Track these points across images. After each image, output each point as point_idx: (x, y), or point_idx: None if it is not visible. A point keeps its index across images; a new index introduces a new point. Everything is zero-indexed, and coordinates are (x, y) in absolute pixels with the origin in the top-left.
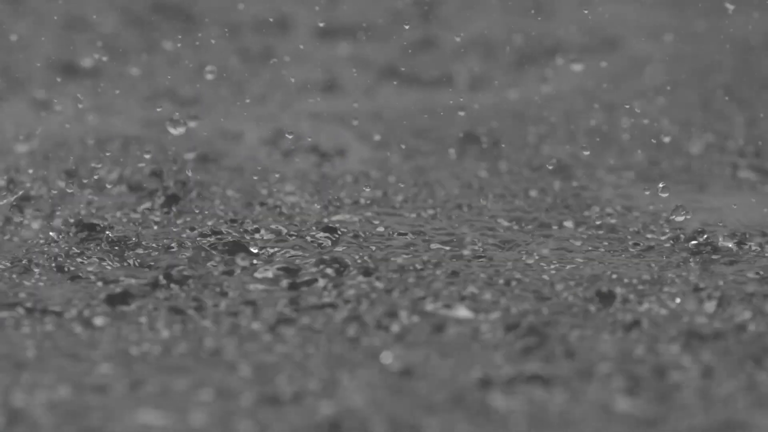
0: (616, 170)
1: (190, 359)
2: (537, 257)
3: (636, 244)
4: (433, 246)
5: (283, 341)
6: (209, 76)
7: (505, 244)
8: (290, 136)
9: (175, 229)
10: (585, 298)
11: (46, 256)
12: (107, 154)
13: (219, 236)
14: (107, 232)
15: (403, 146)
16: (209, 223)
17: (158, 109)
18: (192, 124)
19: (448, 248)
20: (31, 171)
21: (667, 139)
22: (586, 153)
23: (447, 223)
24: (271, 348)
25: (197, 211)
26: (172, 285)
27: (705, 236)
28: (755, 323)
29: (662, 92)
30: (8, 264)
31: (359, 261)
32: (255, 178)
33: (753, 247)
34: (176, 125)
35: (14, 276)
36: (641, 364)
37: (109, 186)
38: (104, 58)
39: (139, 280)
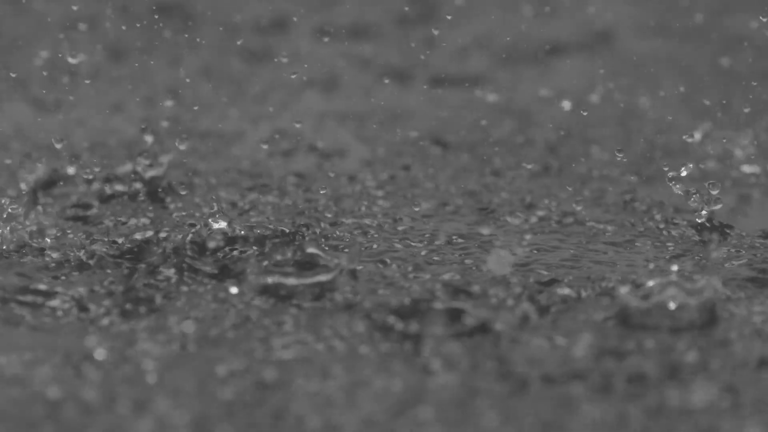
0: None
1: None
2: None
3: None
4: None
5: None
6: (169, 103)
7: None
8: (298, 125)
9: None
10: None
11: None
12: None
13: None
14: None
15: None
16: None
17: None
18: (165, 123)
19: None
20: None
21: (687, 138)
22: (620, 157)
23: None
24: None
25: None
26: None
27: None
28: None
29: (662, 91)
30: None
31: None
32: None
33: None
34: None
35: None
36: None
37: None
38: (103, 58)
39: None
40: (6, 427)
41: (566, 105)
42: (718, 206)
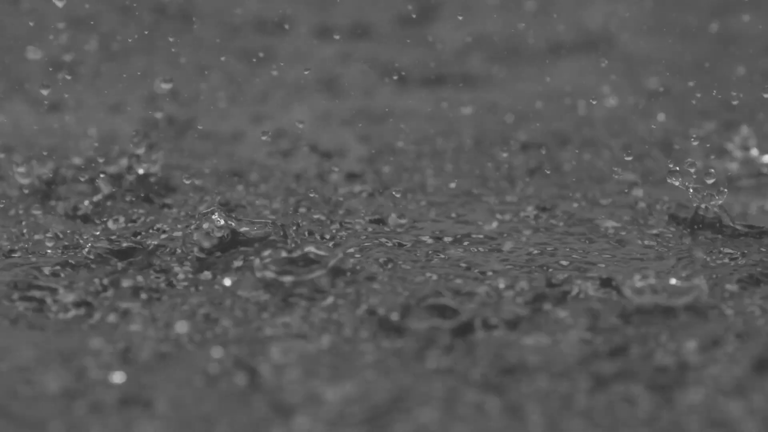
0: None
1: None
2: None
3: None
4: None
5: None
6: (168, 103)
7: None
8: (301, 125)
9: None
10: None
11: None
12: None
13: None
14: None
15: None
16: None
17: (264, 137)
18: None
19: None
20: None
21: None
22: (629, 158)
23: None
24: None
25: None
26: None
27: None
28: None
29: (659, 90)
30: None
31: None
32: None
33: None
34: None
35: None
36: None
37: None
38: (103, 58)
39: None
40: (7, 424)
41: (565, 104)
42: (718, 202)
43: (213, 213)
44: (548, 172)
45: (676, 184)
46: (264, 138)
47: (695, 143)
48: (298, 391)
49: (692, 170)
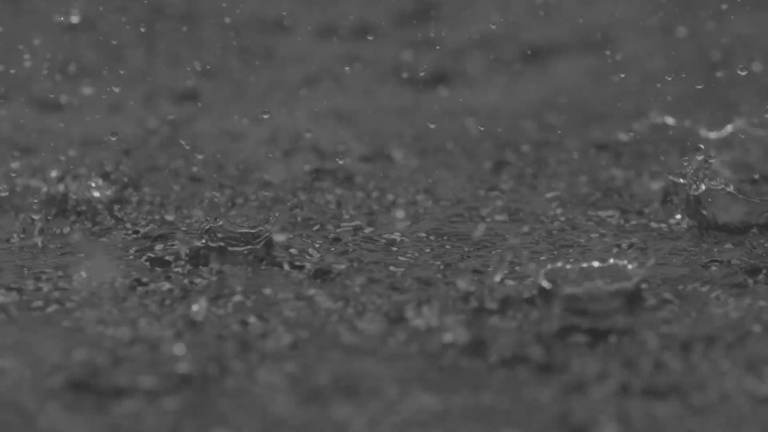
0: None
1: None
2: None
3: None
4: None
5: None
6: (168, 103)
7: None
8: (309, 135)
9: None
10: None
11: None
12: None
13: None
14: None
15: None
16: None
17: (264, 116)
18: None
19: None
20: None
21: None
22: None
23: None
24: None
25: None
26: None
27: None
28: None
29: (662, 86)
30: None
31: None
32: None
33: None
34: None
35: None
36: None
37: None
38: (103, 58)
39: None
40: (7, 418)
41: (565, 104)
42: (712, 199)
43: (213, 214)
44: (546, 171)
45: (680, 180)
46: (265, 117)
47: (689, 137)
48: None
49: (683, 170)
